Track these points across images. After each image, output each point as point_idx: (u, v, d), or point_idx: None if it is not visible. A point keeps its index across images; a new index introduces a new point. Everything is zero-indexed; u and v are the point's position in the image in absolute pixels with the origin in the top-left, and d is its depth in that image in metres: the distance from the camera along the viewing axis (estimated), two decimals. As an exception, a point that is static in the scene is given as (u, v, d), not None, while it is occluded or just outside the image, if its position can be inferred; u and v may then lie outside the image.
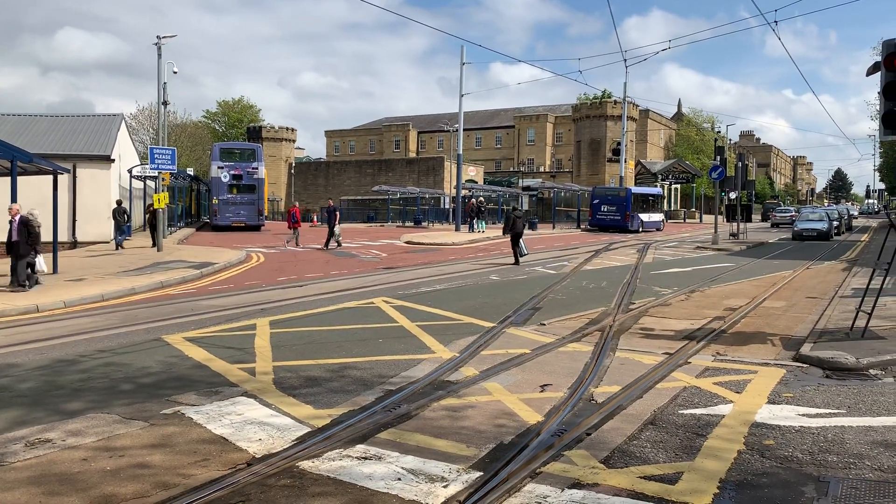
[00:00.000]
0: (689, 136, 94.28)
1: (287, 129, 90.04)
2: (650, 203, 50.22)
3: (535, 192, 68.67)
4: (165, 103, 30.90)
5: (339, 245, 28.82)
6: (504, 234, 23.37)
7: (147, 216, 27.70)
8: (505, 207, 63.13)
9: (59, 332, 10.91)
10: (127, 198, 32.09)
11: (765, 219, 70.02)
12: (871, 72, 11.46)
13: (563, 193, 60.53)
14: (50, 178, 19.42)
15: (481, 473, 5.14)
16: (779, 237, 40.64)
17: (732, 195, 39.21)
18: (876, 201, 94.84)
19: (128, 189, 33.78)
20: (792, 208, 67.70)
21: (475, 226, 41.07)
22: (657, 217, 50.49)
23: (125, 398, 7.18)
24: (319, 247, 29.16)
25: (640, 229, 46.17)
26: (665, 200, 54.35)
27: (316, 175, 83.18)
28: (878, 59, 10.47)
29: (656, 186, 62.46)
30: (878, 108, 10.84)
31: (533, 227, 48.13)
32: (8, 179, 16.57)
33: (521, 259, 22.48)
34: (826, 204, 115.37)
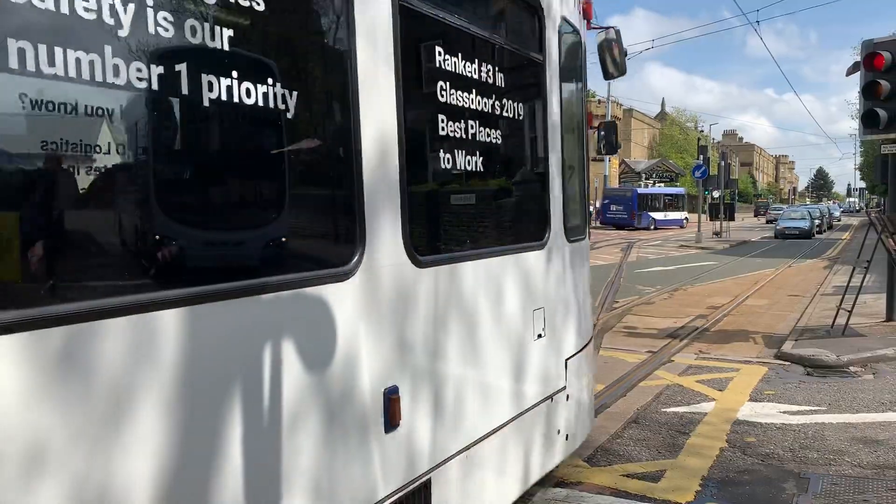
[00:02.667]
0: (672, 135, 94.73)
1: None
2: (666, 202, 51.81)
3: (519, 191, 68.71)
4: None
5: None
6: None
7: None
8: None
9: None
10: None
11: (757, 214, 76.51)
12: (850, 72, 11.59)
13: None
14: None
15: (465, 473, 5.14)
16: (762, 235, 41.00)
17: (716, 194, 39.51)
18: (857, 200, 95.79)
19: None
20: (784, 206, 69.44)
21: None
22: (676, 215, 52.71)
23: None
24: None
25: (653, 227, 47.50)
26: (685, 199, 56.02)
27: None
28: (858, 58, 10.60)
29: (678, 186, 63.74)
30: (858, 107, 10.95)
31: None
32: None
33: None
34: (808, 202, 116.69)
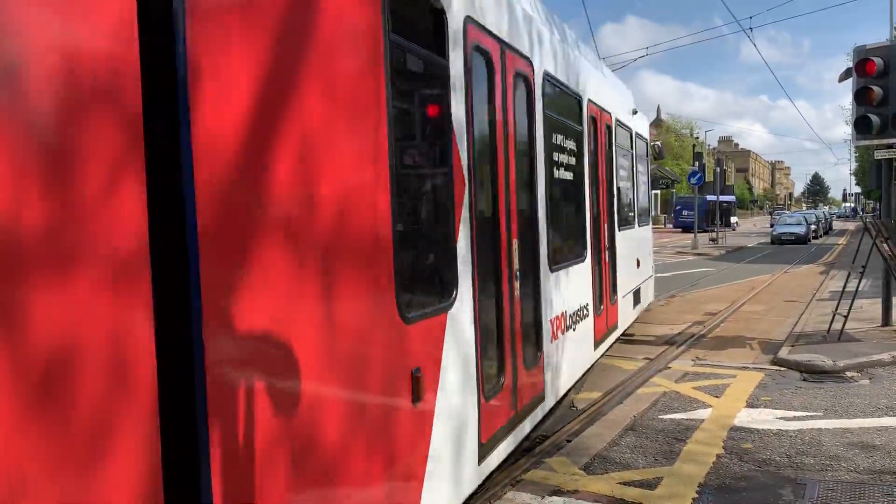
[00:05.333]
0: (668, 142, 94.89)
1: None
2: (724, 208, 54.40)
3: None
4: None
5: None
6: None
7: None
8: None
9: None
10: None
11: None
12: (843, 78, 11.67)
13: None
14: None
15: (462, 482, 5.13)
16: (758, 241, 41.07)
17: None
18: (852, 205, 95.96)
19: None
20: (786, 211, 70.91)
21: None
22: (731, 219, 58.77)
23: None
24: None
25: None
26: (735, 205, 59.91)
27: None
28: (851, 64, 10.66)
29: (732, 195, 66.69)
30: (851, 112, 11.00)
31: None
32: None
33: None
34: (804, 208, 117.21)
